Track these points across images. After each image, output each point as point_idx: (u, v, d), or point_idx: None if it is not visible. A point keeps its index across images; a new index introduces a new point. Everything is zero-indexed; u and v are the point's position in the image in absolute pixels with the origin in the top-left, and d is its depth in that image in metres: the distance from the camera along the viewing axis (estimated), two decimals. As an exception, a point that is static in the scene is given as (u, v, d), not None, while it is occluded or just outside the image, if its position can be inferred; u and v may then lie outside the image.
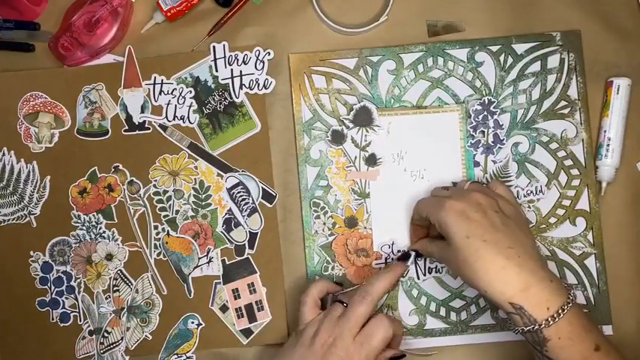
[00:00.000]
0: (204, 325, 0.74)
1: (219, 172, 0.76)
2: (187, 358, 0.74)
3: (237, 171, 0.75)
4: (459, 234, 0.63)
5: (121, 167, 0.76)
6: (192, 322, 0.74)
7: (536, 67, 0.76)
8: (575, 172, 0.75)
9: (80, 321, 0.75)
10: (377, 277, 0.68)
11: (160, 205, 0.76)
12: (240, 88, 0.76)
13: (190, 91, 0.76)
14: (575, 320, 0.60)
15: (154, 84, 0.76)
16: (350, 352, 0.63)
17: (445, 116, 0.76)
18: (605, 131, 0.74)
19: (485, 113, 0.75)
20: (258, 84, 0.76)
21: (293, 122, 0.76)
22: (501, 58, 0.76)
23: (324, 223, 0.75)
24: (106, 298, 0.75)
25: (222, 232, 0.75)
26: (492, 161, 0.75)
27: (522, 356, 0.74)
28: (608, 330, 0.73)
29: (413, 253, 0.71)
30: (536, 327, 0.60)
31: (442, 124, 0.75)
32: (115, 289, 0.75)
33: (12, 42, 0.77)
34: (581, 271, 0.74)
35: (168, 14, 0.75)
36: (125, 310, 0.75)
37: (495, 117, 0.75)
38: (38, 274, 0.76)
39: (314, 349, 0.64)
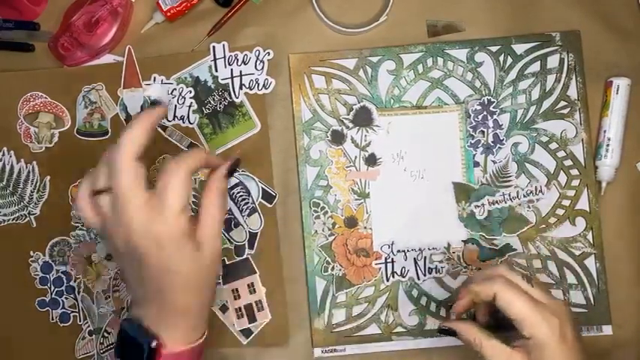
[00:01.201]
0: (204, 325, 0.74)
1: (219, 172, 0.76)
2: (187, 358, 0.74)
3: (237, 171, 0.75)
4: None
5: (120, 167, 0.76)
6: (192, 322, 0.74)
7: (535, 67, 0.76)
8: (574, 172, 0.75)
9: (80, 321, 0.75)
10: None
11: (159, 205, 0.75)
12: (240, 88, 0.76)
13: (190, 91, 0.76)
14: None
15: (154, 84, 0.76)
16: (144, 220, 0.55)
17: (445, 116, 0.76)
18: (604, 131, 0.74)
19: (485, 113, 0.75)
20: (258, 84, 0.76)
21: (293, 122, 0.76)
22: (501, 58, 0.76)
23: (324, 223, 0.75)
24: (106, 299, 0.75)
25: (222, 232, 0.75)
26: (492, 161, 0.75)
27: (522, 356, 0.74)
28: (607, 330, 0.73)
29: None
30: None
31: (442, 124, 0.75)
32: (114, 289, 0.75)
33: (12, 42, 0.77)
34: (581, 271, 0.74)
35: (168, 14, 0.75)
36: (125, 310, 0.75)
37: (495, 117, 0.75)
38: (38, 274, 0.75)
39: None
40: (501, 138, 0.75)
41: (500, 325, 0.62)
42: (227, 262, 0.75)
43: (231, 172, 0.61)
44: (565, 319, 0.59)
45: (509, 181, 0.75)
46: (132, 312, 0.61)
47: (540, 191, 0.75)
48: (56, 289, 0.75)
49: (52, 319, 0.75)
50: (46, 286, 0.75)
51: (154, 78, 0.76)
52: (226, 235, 0.75)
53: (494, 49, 0.76)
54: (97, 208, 0.58)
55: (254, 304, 0.75)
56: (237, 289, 0.75)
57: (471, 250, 0.74)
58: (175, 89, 0.76)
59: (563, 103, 0.76)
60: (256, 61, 0.76)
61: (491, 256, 0.74)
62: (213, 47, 0.76)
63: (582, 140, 0.75)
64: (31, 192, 0.76)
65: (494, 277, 0.61)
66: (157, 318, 0.58)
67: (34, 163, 0.76)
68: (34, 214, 0.76)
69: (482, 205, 0.75)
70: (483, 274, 0.63)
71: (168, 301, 0.58)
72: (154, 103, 0.60)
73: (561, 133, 0.75)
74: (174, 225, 0.56)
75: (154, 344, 0.57)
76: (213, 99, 0.76)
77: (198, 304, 0.60)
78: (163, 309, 0.58)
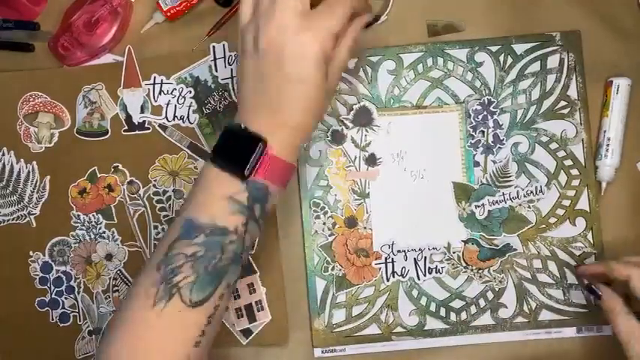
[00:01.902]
0: (204, 325, 0.74)
1: (219, 172, 0.75)
2: (187, 358, 0.74)
3: (375, 22, 0.75)
4: None
5: (120, 167, 0.76)
6: (192, 322, 0.74)
7: (535, 67, 0.76)
8: (575, 172, 0.75)
9: (80, 321, 0.75)
10: None
11: (159, 205, 0.75)
12: (240, 88, 0.76)
13: (190, 91, 0.76)
14: None
15: (154, 84, 0.76)
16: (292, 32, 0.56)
17: (445, 116, 0.76)
18: (604, 131, 0.74)
19: (485, 113, 0.75)
20: (258, 84, 0.76)
21: (293, 122, 0.76)
22: (501, 58, 0.76)
23: (324, 223, 0.75)
24: (106, 299, 0.75)
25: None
26: (492, 161, 0.75)
27: (522, 356, 0.74)
28: (607, 330, 0.73)
29: None
30: None
31: (442, 124, 0.75)
32: (114, 289, 0.75)
33: (12, 42, 0.77)
34: (581, 271, 0.74)
35: (168, 14, 0.75)
36: (125, 310, 0.75)
37: (495, 117, 0.75)
38: (38, 274, 0.75)
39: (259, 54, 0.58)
40: (501, 138, 0.75)
41: None
42: (227, 262, 0.75)
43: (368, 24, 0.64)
44: None
45: (509, 181, 0.75)
46: (238, 118, 0.59)
47: (540, 191, 0.75)
48: (56, 289, 0.75)
49: (52, 319, 0.75)
50: (45, 286, 0.75)
51: (155, 78, 0.76)
52: (226, 235, 0.75)
53: (494, 49, 0.76)
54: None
55: (254, 304, 0.75)
56: (237, 289, 0.75)
57: (470, 250, 0.74)
58: (175, 89, 0.76)
59: (563, 103, 0.76)
60: (256, 61, 0.76)
61: (491, 256, 0.74)
62: (213, 47, 0.76)
63: (582, 140, 0.75)
64: (31, 192, 0.76)
65: (633, 262, 0.65)
66: (266, 127, 0.57)
67: (34, 163, 0.76)
68: (34, 214, 0.76)
69: (483, 205, 0.75)
70: (624, 258, 0.66)
71: (283, 112, 0.57)
72: None
73: (561, 133, 0.75)
74: (321, 43, 0.56)
75: (262, 146, 0.57)
76: (213, 99, 0.76)
77: (307, 123, 0.59)
78: (275, 120, 0.58)
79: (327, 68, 0.58)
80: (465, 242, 0.74)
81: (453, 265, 0.74)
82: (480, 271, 0.74)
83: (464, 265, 0.74)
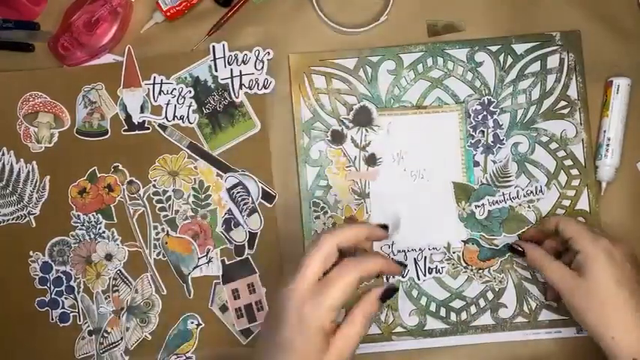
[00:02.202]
0: (203, 325, 0.74)
1: (219, 172, 0.76)
2: (187, 358, 0.74)
3: (236, 171, 0.75)
4: (608, 276, 0.62)
5: (120, 167, 0.76)
6: (192, 323, 0.74)
7: (535, 67, 0.76)
8: (575, 172, 0.75)
9: (80, 321, 0.75)
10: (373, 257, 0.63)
11: (159, 205, 0.75)
12: (240, 88, 0.76)
13: (190, 91, 0.76)
14: None
15: (154, 84, 0.76)
16: (301, 302, 0.59)
17: (445, 116, 0.76)
18: (604, 131, 0.74)
19: (485, 113, 0.75)
20: (258, 84, 0.76)
21: (293, 122, 0.76)
22: (501, 58, 0.76)
23: (324, 223, 0.75)
24: (106, 299, 0.75)
25: (221, 232, 0.75)
26: (492, 161, 0.75)
27: (522, 356, 0.74)
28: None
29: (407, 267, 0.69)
30: None
31: (442, 124, 0.75)
32: (114, 289, 0.75)
33: (12, 42, 0.77)
34: (581, 271, 0.74)
35: (168, 14, 0.75)
36: (125, 310, 0.75)
37: (495, 117, 0.75)
38: (38, 274, 0.75)
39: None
40: (501, 138, 0.75)
41: None
42: (227, 262, 0.75)
43: (385, 297, 0.62)
44: (619, 245, 0.64)
45: (509, 181, 0.75)
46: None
47: (540, 191, 0.75)
48: (56, 289, 0.75)
49: (52, 319, 0.75)
50: (45, 286, 0.75)
51: (154, 78, 0.76)
52: (226, 235, 0.75)
53: (494, 49, 0.76)
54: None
55: (254, 305, 0.75)
56: (237, 289, 0.75)
57: (470, 250, 0.74)
58: (175, 89, 0.76)
59: (563, 103, 0.76)
60: (256, 61, 0.76)
61: (491, 256, 0.74)
62: (213, 47, 0.76)
63: (582, 140, 0.75)
64: (31, 192, 0.76)
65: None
66: None
67: (34, 163, 0.76)
68: (33, 214, 0.76)
69: (483, 205, 0.75)
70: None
71: None
72: (385, 227, 0.66)
73: (561, 133, 0.75)
74: (320, 317, 0.58)
75: None
76: (213, 99, 0.76)
77: None
78: None
79: (330, 340, 0.58)
80: (465, 242, 0.74)
81: (453, 265, 0.74)
82: (480, 271, 0.74)
83: (464, 265, 0.74)
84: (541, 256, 0.68)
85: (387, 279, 0.71)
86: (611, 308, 0.62)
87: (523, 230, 0.74)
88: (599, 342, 0.64)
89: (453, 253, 0.74)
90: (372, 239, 0.66)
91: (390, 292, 0.62)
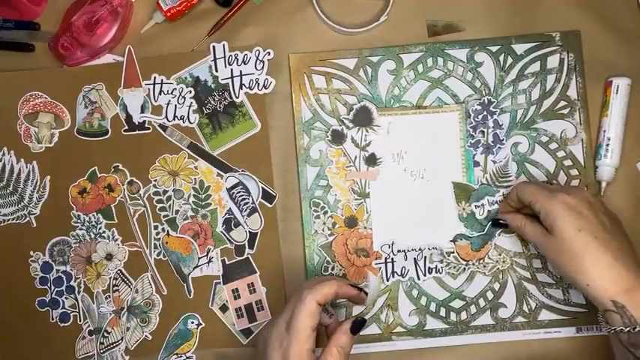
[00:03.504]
0: (204, 325, 0.74)
1: (219, 172, 0.76)
2: (187, 358, 0.74)
3: (237, 171, 0.76)
4: (569, 227, 0.64)
5: (120, 167, 0.76)
6: (192, 322, 0.74)
7: (535, 67, 0.76)
8: (574, 172, 0.75)
9: (80, 321, 0.75)
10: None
11: (159, 205, 0.76)
12: (240, 88, 0.76)
13: (190, 91, 0.76)
14: None
15: (154, 84, 0.76)
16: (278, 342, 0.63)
17: (445, 116, 0.76)
18: (604, 131, 0.74)
19: (485, 113, 0.75)
20: (258, 84, 0.76)
21: (293, 122, 0.76)
22: (501, 58, 0.76)
23: (324, 223, 0.75)
24: (106, 298, 0.75)
25: (222, 232, 0.75)
26: (492, 161, 0.75)
27: (522, 356, 0.74)
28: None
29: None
30: (638, 328, 0.60)
31: (442, 124, 0.75)
32: (114, 289, 0.75)
33: (12, 42, 0.77)
34: (581, 271, 0.74)
35: (168, 14, 0.75)
36: (125, 310, 0.75)
37: (495, 117, 0.75)
38: (38, 274, 0.75)
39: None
40: (501, 138, 0.75)
41: None
42: (227, 262, 0.75)
43: (355, 329, 0.64)
44: (575, 195, 0.66)
45: (509, 181, 0.75)
46: None
47: (540, 191, 0.75)
48: (56, 289, 0.75)
49: (52, 319, 0.75)
50: (46, 286, 0.75)
51: (155, 78, 0.76)
52: (226, 235, 0.75)
53: (494, 49, 0.76)
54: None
55: (254, 304, 0.75)
56: (237, 289, 0.75)
57: (462, 246, 0.74)
58: (175, 89, 0.76)
59: (563, 103, 0.76)
60: (256, 61, 0.76)
61: (484, 242, 0.74)
62: (213, 47, 0.76)
63: (582, 140, 0.75)
64: (31, 192, 0.76)
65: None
66: None
67: (34, 163, 0.76)
68: (34, 214, 0.76)
69: (482, 205, 0.75)
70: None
71: None
72: (364, 292, 0.68)
73: (561, 133, 0.75)
74: (297, 347, 0.61)
75: None
76: (213, 99, 0.76)
77: None
78: None
79: None
80: (454, 241, 0.74)
81: (454, 267, 0.74)
82: (481, 261, 0.74)
83: (464, 262, 0.74)
84: (518, 220, 0.70)
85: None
86: (580, 256, 0.63)
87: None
88: (579, 290, 0.66)
89: (449, 255, 0.74)
90: (345, 297, 0.67)
91: (357, 325, 0.64)
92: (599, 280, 0.62)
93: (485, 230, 0.74)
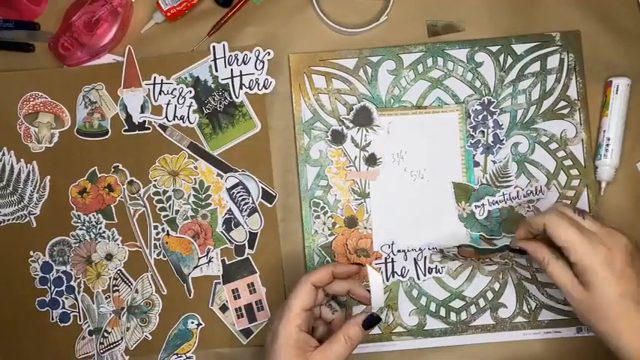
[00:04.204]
0: (204, 325, 0.74)
1: (219, 172, 0.76)
2: (187, 358, 0.74)
3: (237, 171, 0.76)
4: (612, 291, 0.60)
5: (120, 167, 0.76)
6: (192, 322, 0.74)
7: (535, 67, 0.76)
8: (574, 172, 0.75)
9: (80, 321, 0.75)
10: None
11: (159, 205, 0.76)
12: (240, 88, 0.76)
13: (190, 91, 0.76)
14: None
15: (154, 84, 0.76)
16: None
17: (445, 116, 0.76)
18: (604, 131, 0.74)
19: (485, 113, 0.75)
20: (258, 84, 0.76)
21: (293, 122, 0.76)
22: (501, 58, 0.76)
23: (324, 223, 0.75)
24: (106, 298, 0.75)
25: (222, 232, 0.75)
26: (492, 161, 0.75)
27: (522, 356, 0.74)
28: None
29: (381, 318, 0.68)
30: None
31: (442, 124, 0.75)
32: (114, 289, 0.75)
33: (12, 42, 0.77)
34: (581, 271, 0.74)
35: (168, 14, 0.75)
36: (125, 310, 0.75)
37: (495, 117, 0.75)
38: (38, 274, 0.75)
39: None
40: (501, 138, 0.75)
41: None
42: (227, 262, 0.75)
43: (368, 324, 0.64)
44: (616, 248, 0.61)
45: (509, 181, 0.75)
46: None
47: (540, 191, 0.75)
48: (56, 289, 0.75)
49: (52, 319, 0.75)
50: (46, 286, 0.75)
51: (155, 78, 0.76)
52: (226, 235, 0.75)
53: (494, 49, 0.76)
54: None
55: (254, 304, 0.75)
56: (237, 289, 0.75)
57: (467, 250, 0.74)
58: (175, 89, 0.76)
59: (563, 103, 0.76)
60: (256, 61, 0.76)
61: (490, 253, 0.73)
62: (213, 47, 0.76)
63: (582, 140, 0.75)
64: (31, 192, 0.76)
65: (546, 211, 0.65)
66: None
67: (34, 163, 0.76)
68: (34, 214, 0.76)
69: (483, 205, 0.75)
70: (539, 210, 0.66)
71: None
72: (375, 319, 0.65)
73: (561, 133, 0.75)
74: (285, 323, 0.61)
75: None
76: (213, 99, 0.76)
77: None
78: None
79: (307, 356, 0.61)
80: (458, 247, 0.72)
81: (451, 259, 0.74)
82: (480, 261, 0.74)
83: (463, 259, 0.74)
84: (542, 253, 0.64)
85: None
86: (616, 320, 0.60)
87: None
88: (609, 347, 0.62)
89: (449, 252, 0.74)
90: (343, 276, 0.67)
91: (371, 320, 0.64)
92: (635, 343, 0.59)
93: (497, 247, 0.71)
